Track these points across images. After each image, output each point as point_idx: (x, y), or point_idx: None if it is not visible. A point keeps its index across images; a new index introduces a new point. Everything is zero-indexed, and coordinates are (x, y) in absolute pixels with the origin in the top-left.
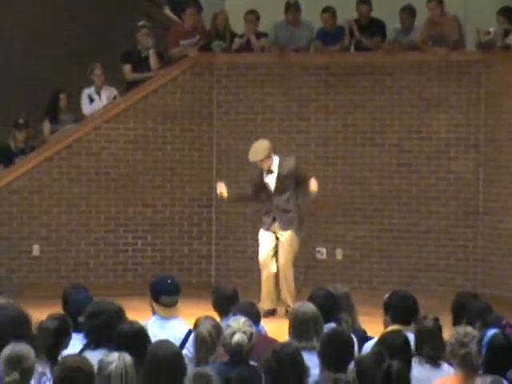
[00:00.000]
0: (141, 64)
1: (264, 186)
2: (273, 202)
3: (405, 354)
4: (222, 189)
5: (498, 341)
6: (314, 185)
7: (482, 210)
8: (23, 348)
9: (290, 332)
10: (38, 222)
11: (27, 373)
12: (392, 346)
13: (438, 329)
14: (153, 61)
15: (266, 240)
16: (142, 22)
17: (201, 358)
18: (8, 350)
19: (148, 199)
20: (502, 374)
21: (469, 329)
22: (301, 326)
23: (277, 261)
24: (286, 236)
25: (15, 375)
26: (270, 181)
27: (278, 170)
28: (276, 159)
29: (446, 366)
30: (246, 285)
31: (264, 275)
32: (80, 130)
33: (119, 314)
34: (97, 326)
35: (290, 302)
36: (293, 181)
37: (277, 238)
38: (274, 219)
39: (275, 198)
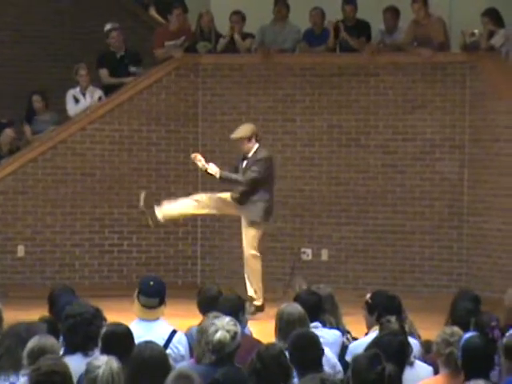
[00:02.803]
0: (118, 66)
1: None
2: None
3: (400, 356)
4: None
5: (472, 344)
6: (212, 167)
7: (466, 211)
8: (47, 341)
9: (275, 333)
10: (23, 222)
11: None
12: (387, 349)
13: (403, 331)
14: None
15: (219, 194)
16: (109, 26)
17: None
18: (32, 342)
19: (133, 200)
20: (481, 376)
21: (456, 329)
22: (287, 327)
23: None
24: (248, 227)
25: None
26: (241, 167)
27: (249, 158)
28: (255, 147)
29: (417, 364)
30: (231, 286)
31: (196, 204)
32: (65, 130)
33: (95, 315)
34: (71, 328)
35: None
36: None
37: None
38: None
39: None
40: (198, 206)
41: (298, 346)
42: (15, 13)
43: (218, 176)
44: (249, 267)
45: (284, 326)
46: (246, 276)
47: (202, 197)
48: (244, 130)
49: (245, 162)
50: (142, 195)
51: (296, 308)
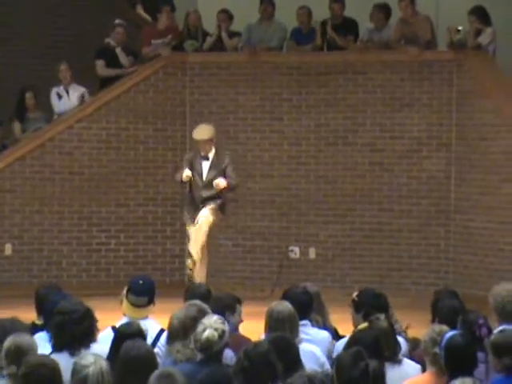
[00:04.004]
0: (115, 61)
1: (197, 174)
2: (201, 191)
3: (376, 352)
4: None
5: (454, 342)
6: (221, 182)
7: (453, 209)
8: (24, 339)
9: (265, 331)
10: (11, 221)
11: None
12: (363, 345)
13: (392, 328)
14: (122, 58)
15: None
16: (118, 21)
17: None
18: (8, 342)
19: (121, 199)
20: (464, 374)
21: (444, 327)
22: (276, 325)
23: None
24: (210, 212)
25: (13, 368)
26: (204, 168)
27: (212, 159)
28: (213, 148)
29: (405, 361)
30: (218, 284)
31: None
32: (53, 129)
33: (85, 315)
34: (59, 325)
35: None
36: (222, 173)
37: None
38: (198, 209)
39: (204, 186)
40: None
41: (275, 349)
42: (3, 11)
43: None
44: (203, 259)
45: (273, 324)
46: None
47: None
48: (208, 130)
49: (207, 163)
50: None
51: (286, 306)
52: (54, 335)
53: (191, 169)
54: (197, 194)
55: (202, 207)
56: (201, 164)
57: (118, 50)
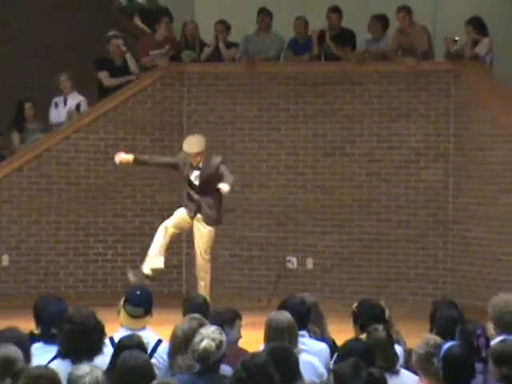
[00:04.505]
0: (115, 73)
1: (189, 181)
2: (199, 198)
3: (369, 361)
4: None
5: (453, 353)
6: (223, 187)
7: (451, 219)
8: (10, 351)
9: (264, 340)
10: (8, 232)
11: (19, 374)
12: (355, 355)
13: (390, 339)
14: (132, 64)
15: (181, 215)
16: (112, 32)
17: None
18: None
19: (118, 209)
20: None
21: (437, 339)
22: (275, 335)
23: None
24: (207, 228)
25: (8, 382)
26: (195, 177)
27: (202, 169)
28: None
29: (403, 372)
30: (216, 294)
31: (164, 232)
32: (50, 139)
33: (95, 329)
34: (67, 333)
35: None
36: (217, 179)
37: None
38: (200, 209)
39: (201, 194)
40: (167, 231)
41: (274, 359)
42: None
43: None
44: (206, 271)
45: (272, 333)
46: (202, 283)
47: (167, 223)
48: (199, 143)
49: (197, 172)
50: (130, 275)
51: (286, 316)
52: (61, 342)
53: (184, 173)
54: (193, 197)
55: (199, 211)
56: (190, 172)
57: (128, 56)
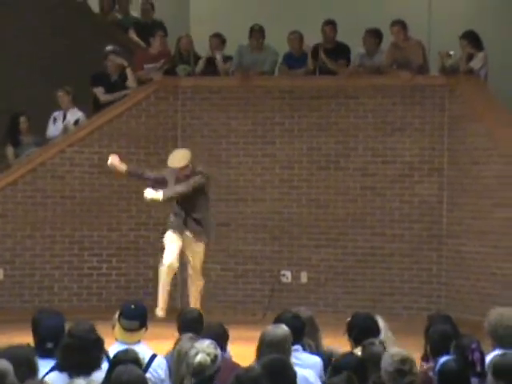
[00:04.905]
0: (111, 88)
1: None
2: (185, 210)
3: (361, 376)
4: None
5: (448, 368)
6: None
7: (445, 234)
8: (0, 365)
9: (256, 353)
10: (2, 246)
11: None
12: (347, 370)
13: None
14: (130, 78)
15: (173, 241)
16: (110, 47)
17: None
18: None
19: (113, 223)
20: None
21: (402, 352)
22: (268, 348)
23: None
24: (199, 245)
25: None
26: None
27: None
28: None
29: None
30: (210, 308)
31: (166, 276)
32: (44, 153)
33: (95, 345)
34: (66, 347)
35: None
36: (202, 190)
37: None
38: (185, 223)
39: (186, 205)
40: (170, 268)
41: (271, 372)
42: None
43: (161, 198)
44: (199, 288)
45: (264, 347)
46: (193, 301)
47: (166, 261)
48: (185, 156)
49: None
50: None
51: (281, 329)
52: (60, 356)
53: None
54: (180, 213)
55: (191, 228)
56: (172, 182)
57: (129, 70)
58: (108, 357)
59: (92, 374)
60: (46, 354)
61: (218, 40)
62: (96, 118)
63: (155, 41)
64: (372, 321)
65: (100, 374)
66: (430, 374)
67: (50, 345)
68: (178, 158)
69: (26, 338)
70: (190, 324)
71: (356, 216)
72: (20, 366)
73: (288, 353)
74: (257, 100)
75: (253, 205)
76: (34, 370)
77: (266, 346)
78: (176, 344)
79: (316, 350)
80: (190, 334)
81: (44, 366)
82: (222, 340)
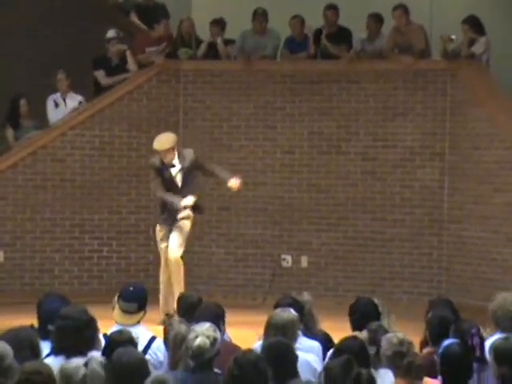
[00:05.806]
0: (113, 72)
1: (169, 181)
2: (181, 196)
3: (363, 360)
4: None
5: (452, 351)
6: (235, 183)
7: (446, 218)
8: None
9: (264, 335)
10: (3, 228)
11: (8, 371)
12: (350, 353)
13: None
14: (130, 61)
15: (163, 240)
16: (112, 33)
17: (178, 358)
18: None
19: (113, 206)
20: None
21: (399, 335)
22: (275, 332)
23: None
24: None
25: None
26: (174, 174)
27: (180, 164)
28: (175, 154)
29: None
30: (210, 292)
31: (165, 275)
32: (45, 136)
33: (87, 324)
34: (60, 329)
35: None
36: (197, 172)
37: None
38: (175, 218)
39: (183, 190)
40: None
41: (273, 355)
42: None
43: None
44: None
45: (270, 329)
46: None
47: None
48: (169, 139)
49: (175, 169)
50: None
51: (290, 313)
52: (54, 338)
53: (163, 177)
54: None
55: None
56: (170, 171)
57: (128, 53)
58: (107, 339)
59: (88, 354)
60: (48, 336)
61: (218, 26)
62: (97, 100)
63: (159, 27)
64: (373, 306)
65: (97, 354)
66: (434, 357)
67: (50, 327)
68: (164, 140)
69: (26, 321)
70: (189, 308)
71: (357, 200)
72: (22, 348)
73: (293, 337)
74: (258, 84)
75: (254, 189)
76: (35, 351)
77: (271, 328)
78: (166, 329)
79: (314, 334)
80: (179, 318)
81: (47, 347)
82: (219, 320)
